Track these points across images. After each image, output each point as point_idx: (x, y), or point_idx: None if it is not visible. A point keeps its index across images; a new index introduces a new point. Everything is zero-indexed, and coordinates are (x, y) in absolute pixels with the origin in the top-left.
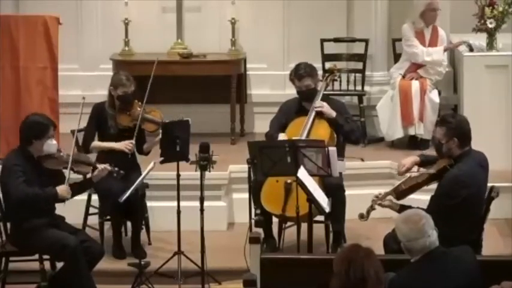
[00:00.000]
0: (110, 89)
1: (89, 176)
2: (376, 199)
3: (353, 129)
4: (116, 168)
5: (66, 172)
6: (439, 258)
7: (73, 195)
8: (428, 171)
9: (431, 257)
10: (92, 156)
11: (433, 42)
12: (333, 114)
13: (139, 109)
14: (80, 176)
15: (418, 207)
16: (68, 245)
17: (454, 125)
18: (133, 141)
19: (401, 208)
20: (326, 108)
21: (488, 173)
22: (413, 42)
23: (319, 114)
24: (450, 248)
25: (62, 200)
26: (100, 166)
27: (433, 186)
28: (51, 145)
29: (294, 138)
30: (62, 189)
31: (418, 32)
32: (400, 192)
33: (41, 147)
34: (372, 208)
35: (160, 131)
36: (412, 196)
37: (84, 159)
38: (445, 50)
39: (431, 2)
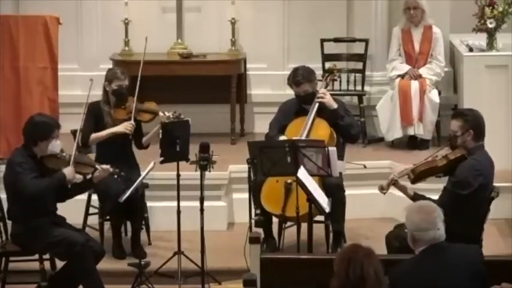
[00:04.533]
0: (105, 85)
1: (89, 176)
2: (396, 174)
3: (352, 123)
4: (117, 170)
5: None
6: (442, 251)
7: (73, 195)
8: (448, 157)
9: (435, 249)
10: (92, 156)
11: (426, 41)
12: (334, 105)
13: (133, 104)
14: (81, 177)
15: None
16: (77, 242)
17: (471, 118)
18: (132, 122)
19: (415, 195)
20: (328, 98)
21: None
22: (392, 49)
23: (320, 112)
24: (455, 244)
25: (66, 190)
26: (101, 167)
27: (442, 184)
28: (55, 145)
29: (294, 138)
30: (68, 170)
31: (404, 31)
32: (419, 173)
33: (46, 148)
34: (391, 182)
35: (159, 125)
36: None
37: (85, 160)
38: None
39: (406, 1)
